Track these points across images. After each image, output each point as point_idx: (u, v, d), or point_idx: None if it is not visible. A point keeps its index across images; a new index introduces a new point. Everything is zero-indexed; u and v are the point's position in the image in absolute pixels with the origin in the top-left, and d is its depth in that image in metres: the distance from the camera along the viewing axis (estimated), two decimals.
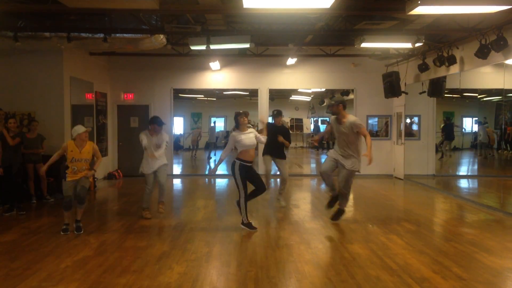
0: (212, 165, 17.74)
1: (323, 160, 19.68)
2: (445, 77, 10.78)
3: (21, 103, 9.87)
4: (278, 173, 9.02)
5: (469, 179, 14.22)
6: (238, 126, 6.61)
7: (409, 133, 13.05)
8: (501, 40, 7.65)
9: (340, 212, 7.22)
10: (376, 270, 4.96)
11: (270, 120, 10.00)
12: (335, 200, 7.24)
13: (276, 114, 8.59)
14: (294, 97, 22.71)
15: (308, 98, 23.31)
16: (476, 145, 17.40)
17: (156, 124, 7.52)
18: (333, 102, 7.26)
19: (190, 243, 6.07)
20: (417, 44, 9.20)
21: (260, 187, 6.74)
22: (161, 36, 8.97)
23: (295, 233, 6.67)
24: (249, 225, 6.66)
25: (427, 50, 10.48)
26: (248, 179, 6.64)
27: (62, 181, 6.62)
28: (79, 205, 6.60)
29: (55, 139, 9.85)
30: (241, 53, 11.77)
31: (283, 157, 8.55)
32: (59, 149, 6.54)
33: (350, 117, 6.90)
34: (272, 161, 8.57)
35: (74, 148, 6.45)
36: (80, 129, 6.56)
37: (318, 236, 6.51)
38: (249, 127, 6.69)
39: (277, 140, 8.18)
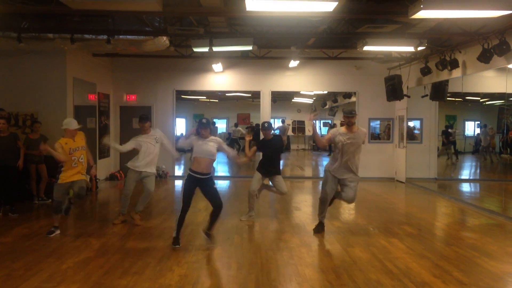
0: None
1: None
2: (447, 80, 10.77)
3: (24, 104, 9.89)
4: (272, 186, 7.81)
5: (471, 183, 14.18)
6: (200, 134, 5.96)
7: (411, 137, 13.04)
8: (504, 45, 7.65)
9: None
10: (376, 274, 4.97)
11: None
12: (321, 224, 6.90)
13: (267, 127, 7.49)
14: (296, 99, 22.76)
15: (310, 101, 23.32)
16: (478, 149, 17.38)
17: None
18: (353, 112, 6.46)
19: (191, 245, 6.08)
20: (420, 48, 9.19)
21: (216, 204, 5.98)
22: (164, 38, 9.00)
23: (296, 235, 6.67)
24: (174, 240, 5.95)
25: (430, 53, 10.49)
26: (203, 194, 6.03)
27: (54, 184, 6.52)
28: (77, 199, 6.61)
29: (58, 140, 9.86)
30: (244, 55, 11.78)
31: (278, 173, 7.57)
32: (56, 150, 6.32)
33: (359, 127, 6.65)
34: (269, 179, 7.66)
35: (68, 141, 6.46)
36: (72, 124, 6.55)
37: (319, 239, 6.51)
38: (213, 138, 5.98)
39: (273, 157, 7.47)
